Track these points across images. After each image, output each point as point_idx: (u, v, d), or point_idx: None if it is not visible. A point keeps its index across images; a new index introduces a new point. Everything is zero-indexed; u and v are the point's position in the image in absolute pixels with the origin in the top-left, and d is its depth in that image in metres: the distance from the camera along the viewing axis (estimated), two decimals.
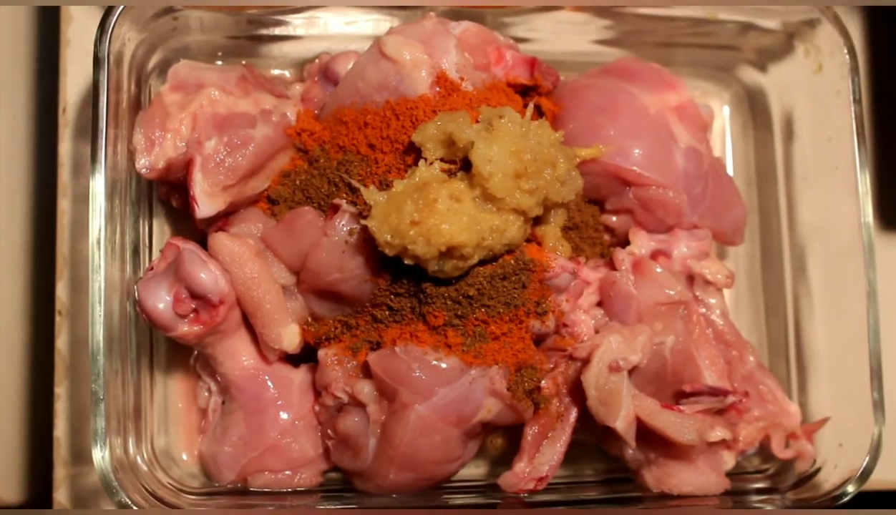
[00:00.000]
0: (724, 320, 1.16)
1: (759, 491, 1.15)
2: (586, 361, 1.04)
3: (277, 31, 1.17)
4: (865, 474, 1.09)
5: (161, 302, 1.02)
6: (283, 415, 1.08)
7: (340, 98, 1.07)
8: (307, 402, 1.09)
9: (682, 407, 1.08)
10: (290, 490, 1.10)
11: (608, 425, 1.03)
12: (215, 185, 1.03)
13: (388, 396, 1.02)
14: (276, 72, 1.21)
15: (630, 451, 1.10)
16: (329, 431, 1.08)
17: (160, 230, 1.15)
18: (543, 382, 1.06)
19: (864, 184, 1.12)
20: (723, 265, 1.16)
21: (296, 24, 1.16)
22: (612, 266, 1.12)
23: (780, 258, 1.24)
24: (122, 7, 1.01)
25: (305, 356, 1.10)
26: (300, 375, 1.10)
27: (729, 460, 1.14)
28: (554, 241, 1.05)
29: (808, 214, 1.21)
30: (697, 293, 1.15)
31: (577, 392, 1.05)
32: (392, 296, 1.03)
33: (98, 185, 0.99)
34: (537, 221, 1.04)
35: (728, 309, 1.18)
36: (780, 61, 1.23)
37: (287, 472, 1.09)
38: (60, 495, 1.16)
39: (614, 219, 1.15)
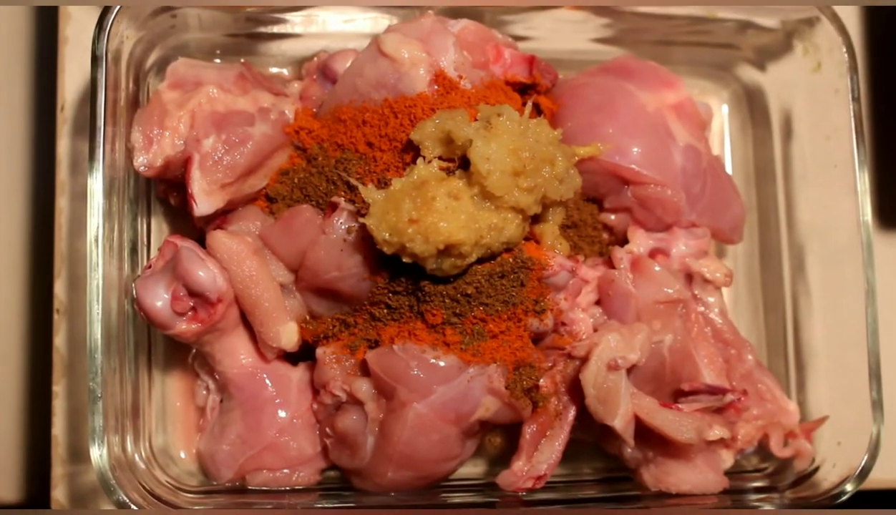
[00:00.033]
0: (723, 318, 1.16)
1: (758, 490, 1.15)
2: (585, 360, 1.03)
3: (276, 29, 1.17)
4: (864, 473, 1.08)
5: (159, 300, 1.02)
6: (282, 414, 1.08)
7: (339, 96, 1.07)
8: (305, 400, 1.09)
9: (680, 406, 1.08)
10: (288, 488, 1.10)
11: (606, 423, 1.03)
12: (213, 183, 1.03)
13: (386, 394, 1.02)
14: (274, 70, 1.21)
15: (628, 450, 1.10)
16: (327, 429, 1.08)
17: (158, 228, 1.14)
18: (542, 381, 1.06)
19: (863, 182, 1.12)
20: (721, 263, 1.16)
21: (294, 22, 1.16)
22: (610, 264, 1.12)
23: (778, 256, 1.24)
24: (120, 5, 1.01)
25: (304, 354, 1.10)
26: (298, 373, 1.10)
27: (727, 458, 1.14)
28: (552, 240, 1.05)
29: (806, 213, 1.21)
30: (696, 291, 1.15)
31: (575, 390, 1.05)
32: (390, 295, 1.03)
33: (96, 183, 0.99)
34: (536, 219, 1.04)
35: (727, 307, 1.18)
36: (778, 59, 1.22)
37: (285, 470, 1.09)
38: (58, 493, 1.16)
39: (613, 217, 1.15)
